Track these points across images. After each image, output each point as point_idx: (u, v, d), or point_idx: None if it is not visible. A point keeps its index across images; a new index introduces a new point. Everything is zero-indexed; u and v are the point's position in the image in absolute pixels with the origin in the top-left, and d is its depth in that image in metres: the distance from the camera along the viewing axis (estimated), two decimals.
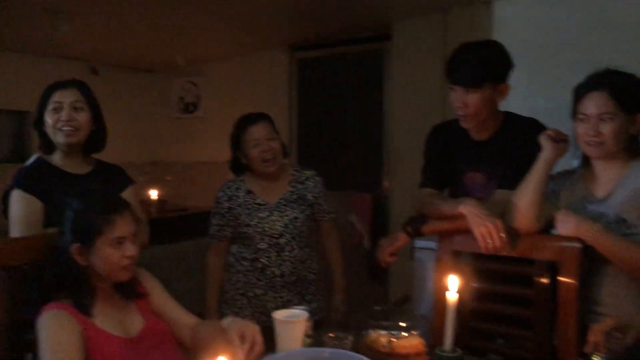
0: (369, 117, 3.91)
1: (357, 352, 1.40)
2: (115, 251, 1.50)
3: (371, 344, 1.50)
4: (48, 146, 1.99)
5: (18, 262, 1.55)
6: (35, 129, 2.02)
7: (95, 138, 2.05)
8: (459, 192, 1.97)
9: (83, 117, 1.96)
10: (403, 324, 1.55)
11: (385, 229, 3.68)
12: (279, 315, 1.49)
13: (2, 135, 4.16)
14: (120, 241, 1.51)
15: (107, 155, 5.14)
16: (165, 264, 3.96)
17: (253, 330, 1.49)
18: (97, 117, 2.04)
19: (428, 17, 3.47)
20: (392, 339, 1.47)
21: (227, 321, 1.56)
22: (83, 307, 1.47)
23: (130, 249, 1.52)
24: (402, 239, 1.94)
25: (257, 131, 2.22)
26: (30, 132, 4.19)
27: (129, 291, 1.60)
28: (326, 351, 1.41)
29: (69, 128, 1.92)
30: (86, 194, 1.61)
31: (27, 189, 1.86)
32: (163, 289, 1.72)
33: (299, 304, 2.26)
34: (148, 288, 1.67)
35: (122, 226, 1.52)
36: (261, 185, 2.30)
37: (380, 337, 1.50)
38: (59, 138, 1.93)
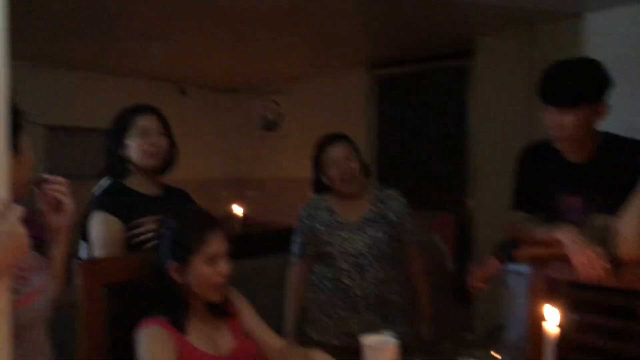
0: (451, 135, 3.82)
1: None
2: (209, 269, 1.54)
3: None
4: (122, 169, 2.01)
5: (118, 279, 1.62)
6: (108, 151, 2.02)
7: (169, 162, 2.10)
8: (553, 216, 1.88)
9: (164, 142, 2.02)
10: (496, 355, 1.49)
11: (469, 251, 3.57)
12: (368, 341, 1.47)
13: (98, 153, 4.40)
14: (214, 259, 1.55)
15: (193, 171, 5.33)
16: (247, 279, 4.01)
17: None
18: (172, 142, 2.10)
19: (513, 32, 3.37)
20: None
21: (316, 355, 1.56)
22: (179, 324, 1.52)
23: (224, 267, 1.56)
24: (493, 264, 1.87)
25: (336, 151, 2.23)
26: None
27: (221, 311, 1.64)
28: None
29: (154, 152, 1.98)
30: (182, 214, 1.67)
31: (108, 210, 1.87)
32: (252, 310, 1.74)
33: (383, 326, 2.23)
34: (238, 308, 1.71)
35: (216, 244, 1.56)
36: (343, 204, 2.29)
37: None
38: (144, 161, 1.97)
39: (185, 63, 4.19)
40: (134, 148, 1.96)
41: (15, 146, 1.26)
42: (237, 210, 4.73)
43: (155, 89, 4.71)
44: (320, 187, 2.34)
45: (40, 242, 1.48)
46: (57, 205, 1.43)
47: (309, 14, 3.05)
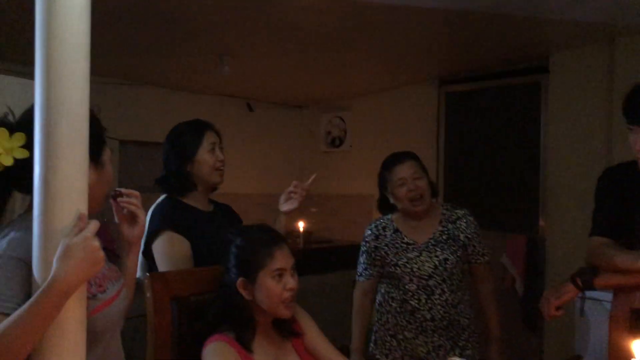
0: (523, 153, 3.69)
1: None
2: (276, 284, 1.54)
3: None
4: (183, 185, 2.00)
5: (186, 293, 1.65)
6: (172, 167, 2.00)
7: None
8: (636, 242, 1.76)
9: (224, 158, 2.06)
10: None
11: (540, 273, 3.42)
12: None
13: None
14: (280, 273, 1.55)
15: (256, 186, 5.38)
16: (310, 295, 4.03)
17: None
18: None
19: (591, 47, 3.23)
20: None
21: None
22: (245, 342, 1.52)
23: (291, 282, 1.56)
24: (570, 291, 1.76)
25: (404, 170, 2.19)
26: None
27: (286, 329, 1.63)
28: None
29: (223, 168, 2.02)
30: (248, 230, 1.68)
31: (175, 229, 1.88)
32: (318, 329, 1.73)
33: (452, 349, 2.16)
34: (304, 327, 1.69)
35: (282, 259, 1.56)
36: (410, 225, 2.25)
37: None
38: (215, 178, 2.01)
39: (253, 79, 4.26)
40: (205, 164, 1.99)
41: (98, 161, 1.30)
42: (300, 226, 4.74)
43: (223, 104, 4.81)
44: (386, 206, 2.30)
45: (110, 252, 1.53)
46: (131, 218, 1.47)
47: (378, 30, 3.03)
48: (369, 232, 2.32)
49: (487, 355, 2.21)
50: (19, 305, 1.02)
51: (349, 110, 5.01)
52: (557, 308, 1.76)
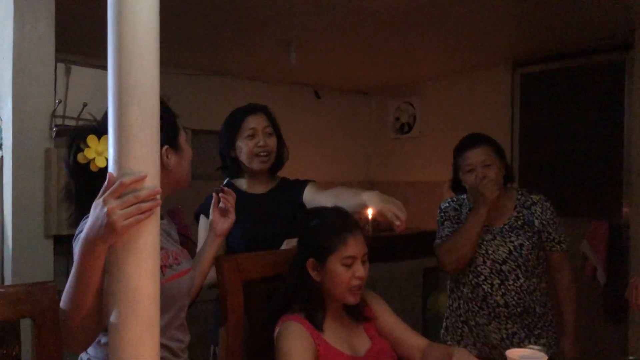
0: (605, 135, 3.49)
1: None
2: (345, 270, 1.53)
3: None
4: (236, 171, 2.06)
5: (257, 275, 1.67)
6: (222, 155, 2.08)
7: (279, 161, 2.09)
8: None
9: (273, 142, 2.02)
10: None
11: (624, 262, 3.23)
12: (514, 354, 1.35)
13: None
14: (351, 261, 1.53)
15: (325, 174, 5.40)
16: (378, 284, 4.01)
17: None
18: (280, 140, 2.08)
19: None
20: None
21: (455, 350, 1.50)
22: (315, 322, 1.52)
23: (360, 270, 1.54)
24: None
25: (473, 156, 2.13)
26: None
27: (357, 314, 1.62)
28: None
29: (264, 154, 1.98)
30: (324, 212, 1.67)
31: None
32: (391, 311, 1.71)
33: (526, 337, 2.09)
34: (376, 311, 1.68)
35: (354, 246, 1.55)
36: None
37: None
38: (255, 165, 1.99)
39: (320, 66, 4.26)
40: (244, 151, 1.99)
41: (176, 144, 1.46)
42: (369, 213, 4.71)
43: (291, 92, 4.85)
44: (458, 187, 2.26)
45: (183, 236, 1.62)
46: (224, 213, 1.69)
47: (449, 11, 2.94)
48: (447, 204, 2.28)
49: (560, 348, 2.12)
50: None
51: (418, 95, 4.91)
52: None
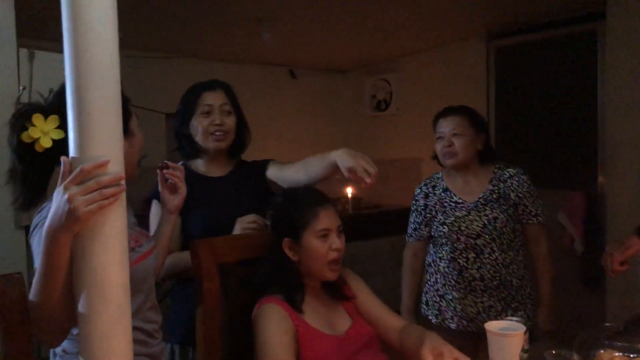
0: (580, 106, 3.50)
1: None
2: (321, 243, 1.52)
3: None
4: (192, 151, 1.92)
5: (233, 258, 1.64)
6: (176, 134, 1.94)
7: (240, 142, 1.97)
8: None
9: (231, 121, 1.88)
10: None
11: (600, 231, 3.28)
12: (493, 327, 1.36)
13: None
14: (325, 234, 1.53)
15: (304, 154, 5.35)
16: (359, 261, 4.02)
17: (448, 350, 1.38)
18: (241, 121, 1.95)
19: None
20: None
21: (427, 334, 1.48)
22: (294, 303, 1.51)
23: (336, 242, 1.54)
24: (635, 244, 1.66)
25: (443, 125, 2.16)
26: None
27: (336, 292, 1.62)
28: None
29: (220, 133, 1.85)
30: (292, 191, 1.66)
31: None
32: (370, 291, 1.71)
33: (503, 310, 2.10)
34: (355, 289, 1.67)
35: (326, 218, 1.54)
36: (459, 183, 2.19)
37: (615, 358, 1.29)
38: (209, 143, 1.86)
39: (295, 45, 4.20)
40: (198, 130, 1.86)
41: (127, 130, 1.40)
42: (348, 192, 4.71)
43: (265, 73, 4.79)
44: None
45: (141, 218, 1.66)
46: (173, 189, 1.62)
47: None
48: (419, 190, 2.29)
49: (536, 319, 2.14)
50: None
51: (394, 72, 4.89)
52: (621, 263, 1.67)
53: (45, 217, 1.14)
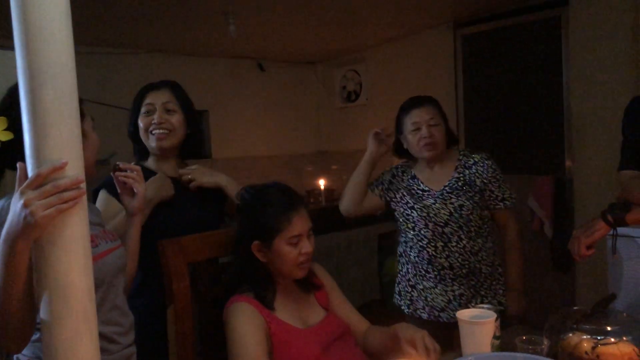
0: (546, 92, 3.55)
1: (555, 358, 1.23)
2: (292, 249, 1.50)
3: (572, 350, 1.32)
4: (142, 152, 1.91)
5: (202, 257, 1.62)
6: (129, 135, 1.92)
7: (191, 142, 1.93)
8: None
9: (176, 119, 1.84)
10: (610, 328, 1.34)
11: (569, 214, 3.34)
12: (464, 315, 1.37)
13: None
14: (297, 240, 1.51)
15: (275, 148, 5.34)
16: (334, 252, 4.03)
17: (422, 336, 1.39)
18: (191, 120, 1.91)
19: None
20: (599, 345, 1.28)
21: (398, 327, 1.49)
22: (265, 301, 1.50)
23: (307, 246, 1.52)
24: (601, 228, 1.67)
25: (420, 115, 2.12)
26: (209, 129, 4.49)
27: (306, 284, 1.61)
28: (518, 356, 1.27)
29: (160, 131, 1.82)
30: (265, 191, 1.61)
31: (111, 190, 1.73)
32: (337, 288, 1.71)
33: (473, 298, 2.12)
34: (323, 282, 1.67)
35: (299, 224, 1.52)
36: (427, 172, 2.20)
37: (584, 342, 1.31)
38: (151, 142, 1.84)
39: (262, 37, 4.16)
40: (141, 129, 1.85)
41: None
42: (322, 184, 4.71)
43: (234, 66, 4.74)
44: (401, 150, 2.25)
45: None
46: (131, 190, 1.56)
47: None
48: (387, 170, 2.31)
49: (505, 303, 2.15)
50: None
51: (363, 62, 4.88)
52: (588, 247, 1.69)
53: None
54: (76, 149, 0.99)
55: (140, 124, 1.85)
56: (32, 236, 0.97)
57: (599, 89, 3.13)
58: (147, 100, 1.85)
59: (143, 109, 1.85)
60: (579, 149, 3.28)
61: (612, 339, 1.30)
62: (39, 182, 0.95)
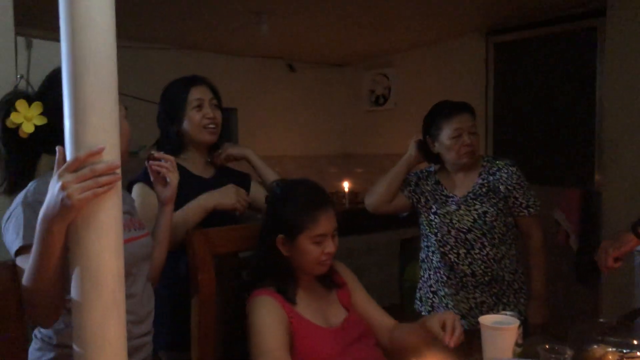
0: (578, 103, 3.50)
1: None
2: (315, 247, 1.51)
3: None
4: (178, 146, 1.91)
5: (228, 249, 1.64)
6: (162, 127, 1.93)
7: (220, 139, 1.98)
8: None
9: (219, 115, 1.92)
10: (636, 342, 1.32)
11: (596, 228, 3.28)
12: (487, 320, 1.36)
13: None
14: (321, 240, 1.52)
15: (300, 148, 5.36)
16: (356, 255, 4.02)
17: (453, 318, 1.40)
18: (224, 117, 1.97)
19: None
20: (624, 358, 1.27)
21: (426, 318, 1.50)
22: (287, 295, 1.51)
23: (330, 246, 1.53)
24: (630, 241, 1.65)
25: (462, 122, 2.09)
26: (237, 127, 4.54)
27: (328, 281, 1.62)
28: None
29: (213, 126, 1.88)
30: (295, 187, 1.62)
31: (148, 183, 1.71)
32: (362, 288, 1.71)
33: (495, 306, 2.10)
34: (346, 280, 1.68)
35: (325, 224, 1.52)
36: (450, 178, 2.19)
37: (609, 354, 1.29)
38: (204, 136, 1.87)
39: (293, 38, 4.18)
40: (191, 122, 1.86)
41: None
42: (346, 186, 4.71)
43: (264, 66, 4.77)
44: (427, 152, 2.22)
45: (133, 208, 1.59)
46: (164, 180, 1.55)
47: None
48: (412, 174, 2.29)
49: (527, 311, 2.13)
50: None
51: (392, 66, 4.87)
52: (616, 259, 1.66)
53: (25, 196, 1.23)
54: (113, 135, 1.02)
55: (192, 118, 1.86)
56: (67, 218, 0.99)
57: (633, 103, 3.08)
58: (195, 94, 1.88)
59: (194, 103, 1.87)
60: (609, 163, 3.23)
61: (639, 353, 1.28)
62: (77, 165, 0.97)
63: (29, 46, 2.64)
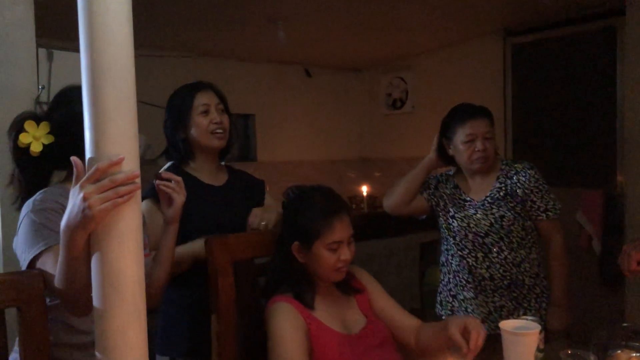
0: (599, 104, 3.46)
1: None
2: (331, 254, 1.51)
3: None
4: (186, 154, 1.88)
5: (246, 256, 1.65)
6: (169, 135, 1.90)
7: (230, 144, 1.95)
8: None
9: (226, 120, 1.88)
10: None
11: (619, 230, 3.23)
12: (508, 326, 1.35)
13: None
14: (336, 246, 1.51)
15: (318, 153, 5.36)
16: (375, 259, 4.01)
17: (475, 323, 1.38)
18: (231, 121, 1.93)
19: None
20: None
21: (450, 318, 1.49)
22: (305, 301, 1.52)
23: (346, 253, 1.53)
24: None
25: (476, 127, 2.06)
26: (255, 133, 4.57)
27: (347, 287, 1.61)
28: None
29: (221, 131, 1.84)
30: (311, 194, 1.62)
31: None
32: (383, 290, 1.70)
33: (515, 310, 2.08)
34: (366, 286, 1.67)
35: (340, 230, 1.52)
36: (468, 182, 2.18)
37: (632, 359, 1.27)
38: (211, 142, 1.84)
39: (310, 44, 4.20)
40: (198, 128, 1.83)
41: None
42: (364, 190, 4.70)
43: (281, 71, 4.80)
44: (444, 156, 2.21)
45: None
46: (170, 199, 1.54)
47: None
48: (432, 177, 2.28)
49: (547, 316, 2.09)
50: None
51: (409, 70, 4.86)
52: (639, 263, 1.64)
53: (33, 204, 1.29)
54: (132, 145, 1.04)
55: (198, 124, 1.84)
56: (89, 228, 1.01)
57: None
58: (201, 100, 1.86)
59: (200, 108, 1.84)
60: (632, 164, 3.18)
61: None
62: (98, 176, 0.99)
63: (50, 57, 2.70)
